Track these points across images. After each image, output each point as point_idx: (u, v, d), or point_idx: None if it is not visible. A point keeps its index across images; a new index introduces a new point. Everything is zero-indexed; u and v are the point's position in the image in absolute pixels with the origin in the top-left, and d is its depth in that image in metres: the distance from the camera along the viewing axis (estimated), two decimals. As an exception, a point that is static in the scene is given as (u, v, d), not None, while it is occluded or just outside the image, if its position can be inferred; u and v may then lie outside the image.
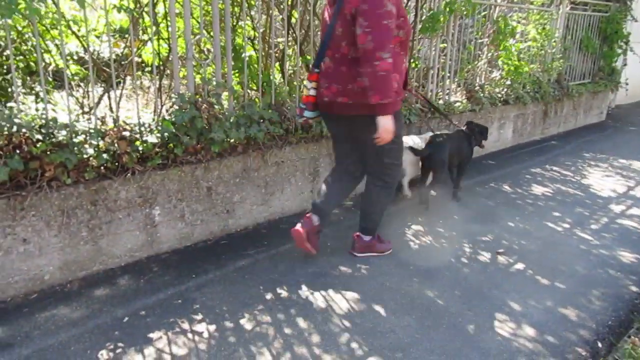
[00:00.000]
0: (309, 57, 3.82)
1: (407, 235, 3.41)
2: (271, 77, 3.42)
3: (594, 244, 3.39)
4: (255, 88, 3.53)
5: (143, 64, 4.21)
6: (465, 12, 4.68)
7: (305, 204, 3.73)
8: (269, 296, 2.60)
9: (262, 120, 3.23)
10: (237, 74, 3.43)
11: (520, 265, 3.06)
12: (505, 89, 5.72)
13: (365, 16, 2.34)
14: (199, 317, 2.41)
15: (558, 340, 2.35)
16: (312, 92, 2.70)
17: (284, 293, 2.64)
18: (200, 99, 2.98)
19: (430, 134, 4.09)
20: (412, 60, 4.58)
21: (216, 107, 3.04)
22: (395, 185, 2.92)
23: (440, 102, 4.90)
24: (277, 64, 3.90)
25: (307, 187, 3.68)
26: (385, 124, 2.50)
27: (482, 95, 5.27)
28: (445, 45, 4.95)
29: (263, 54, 3.67)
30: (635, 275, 3.00)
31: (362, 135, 2.68)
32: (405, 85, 2.83)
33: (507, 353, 2.24)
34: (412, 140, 3.92)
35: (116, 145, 2.65)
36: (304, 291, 2.66)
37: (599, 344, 2.36)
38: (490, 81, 5.69)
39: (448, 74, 5.05)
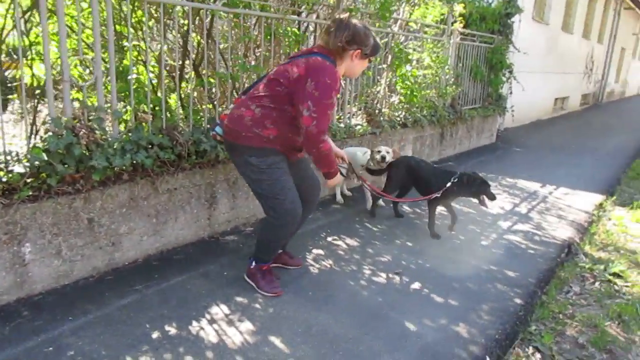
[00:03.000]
0: (212, 80, 3.71)
1: (308, 260, 3.35)
2: (162, 100, 3.25)
3: (484, 260, 3.55)
4: (146, 112, 3.35)
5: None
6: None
7: (202, 232, 3.56)
8: (155, 335, 2.41)
9: (150, 146, 3.05)
10: (125, 97, 3.23)
11: (416, 285, 3.12)
12: (404, 113, 5.95)
13: (314, 102, 2.50)
14: (72, 365, 2.16)
15: (450, 359, 2.39)
16: (227, 112, 2.85)
17: (172, 330, 2.45)
18: (78, 124, 2.75)
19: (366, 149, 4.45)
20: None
21: (97, 132, 2.82)
22: (286, 224, 2.77)
23: (342, 125, 4.98)
24: (170, 86, 3.75)
25: (204, 214, 3.52)
26: (332, 183, 2.87)
27: (382, 118, 5.43)
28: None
29: (153, 76, 3.51)
30: (519, 288, 3.16)
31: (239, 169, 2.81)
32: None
33: (402, 376, 2.23)
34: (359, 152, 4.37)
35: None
36: (195, 327, 2.50)
37: (487, 359, 2.43)
38: (390, 105, 5.90)
39: (348, 98, 5.15)
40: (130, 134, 3.00)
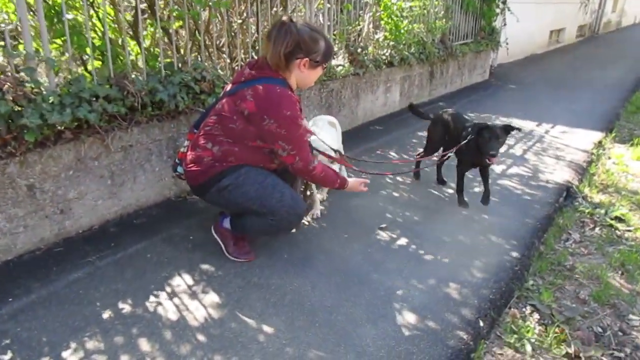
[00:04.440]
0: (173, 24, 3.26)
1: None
2: (107, 44, 2.82)
3: (477, 209, 3.27)
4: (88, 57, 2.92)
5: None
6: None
7: (168, 191, 3.23)
8: (107, 314, 2.12)
9: (95, 99, 2.66)
10: (61, 43, 2.81)
11: (403, 241, 2.84)
12: (390, 51, 5.50)
13: (286, 140, 2.27)
14: (7, 356, 1.88)
15: (440, 324, 2.14)
16: (184, 150, 2.55)
17: (127, 308, 2.17)
18: (2, 76, 2.34)
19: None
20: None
21: (28, 85, 2.42)
22: (290, 225, 2.58)
23: (321, 67, 4.55)
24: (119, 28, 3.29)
25: (168, 172, 3.17)
26: (352, 187, 2.67)
27: (365, 57, 4.99)
28: (323, 3, 4.57)
29: (94, 14, 3.05)
30: (515, 239, 2.90)
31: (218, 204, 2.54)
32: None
33: (384, 349, 1.98)
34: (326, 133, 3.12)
35: None
36: (153, 302, 2.22)
37: (481, 323, 2.18)
38: (374, 43, 5.43)
39: (328, 35, 4.68)
40: (71, 86, 2.60)
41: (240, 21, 4.06)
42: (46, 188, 2.57)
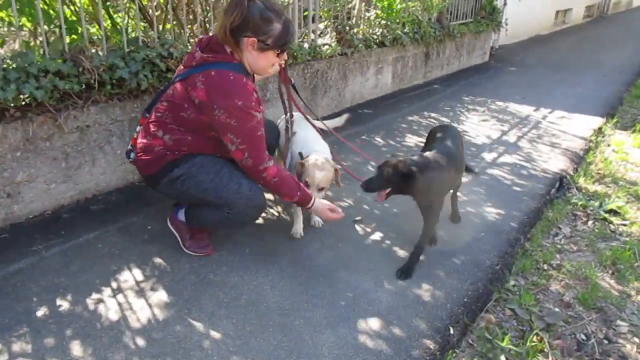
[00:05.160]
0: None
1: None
2: (60, 12, 2.59)
3: (461, 201, 3.05)
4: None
5: None
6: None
7: (132, 176, 3.03)
8: (42, 312, 1.95)
9: (44, 74, 2.44)
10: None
11: (377, 235, 2.64)
12: (382, 30, 5.22)
13: (236, 133, 2.04)
14: None
15: (406, 331, 1.95)
16: (136, 135, 2.31)
17: (65, 305, 1.99)
18: None
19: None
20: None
21: (-37, 57, 2.21)
22: (248, 219, 2.28)
23: (305, 45, 4.30)
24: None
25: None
26: (316, 210, 2.34)
27: (354, 36, 4.72)
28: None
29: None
30: (498, 235, 2.70)
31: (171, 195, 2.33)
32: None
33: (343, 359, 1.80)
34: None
35: None
36: (95, 299, 2.03)
37: (451, 330, 1.99)
38: (366, 21, 5.15)
39: (313, 11, 4.42)
40: (17, 59, 2.38)
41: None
42: (-11, 171, 2.37)
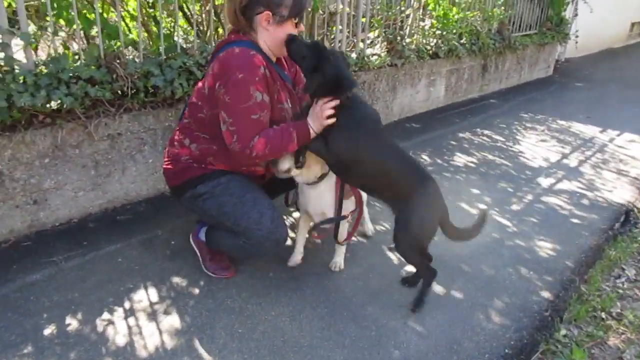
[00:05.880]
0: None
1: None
2: (97, 18, 2.55)
3: (511, 231, 2.78)
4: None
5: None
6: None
7: (163, 185, 2.95)
8: (49, 330, 1.87)
9: (75, 81, 2.39)
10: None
11: (412, 267, 2.41)
12: (436, 40, 4.96)
13: (228, 111, 1.86)
14: None
15: (434, 384, 1.73)
16: None
17: (74, 324, 1.90)
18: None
19: None
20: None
21: (-3, 62, 2.19)
22: (263, 252, 2.09)
23: (353, 55, 4.12)
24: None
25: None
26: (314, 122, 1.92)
27: (405, 47, 4.50)
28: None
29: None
30: (550, 275, 2.40)
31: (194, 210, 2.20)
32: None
33: (358, 413, 1.60)
34: None
35: None
36: (105, 319, 1.94)
37: (487, 389, 1.75)
38: (420, 31, 4.91)
39: (363, 19, 4.23)
40: (50, 65, 2.34)
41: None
42: (17, 176, 2.35)
